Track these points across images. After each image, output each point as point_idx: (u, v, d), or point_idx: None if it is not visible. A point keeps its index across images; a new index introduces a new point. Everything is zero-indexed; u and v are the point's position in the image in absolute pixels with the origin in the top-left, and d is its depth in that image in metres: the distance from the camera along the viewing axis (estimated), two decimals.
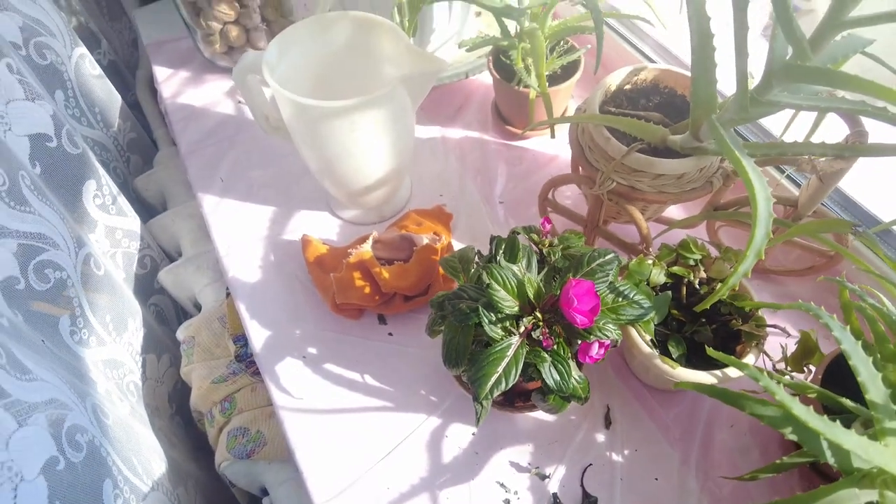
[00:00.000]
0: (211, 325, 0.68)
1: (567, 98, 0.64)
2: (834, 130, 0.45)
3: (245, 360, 0.64)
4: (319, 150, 0.50)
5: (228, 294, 0.69)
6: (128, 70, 1.00)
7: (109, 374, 0.62)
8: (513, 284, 0.36)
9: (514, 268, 0.37)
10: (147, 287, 0.77)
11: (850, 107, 0.37)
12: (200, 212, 0.79)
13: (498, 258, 0.39)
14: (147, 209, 0.86)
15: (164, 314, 0.81)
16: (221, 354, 0.67)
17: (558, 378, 0.37)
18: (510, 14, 0.56)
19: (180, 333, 0.69)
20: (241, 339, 0.66)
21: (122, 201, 0.71)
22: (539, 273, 0.40)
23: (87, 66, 0.78)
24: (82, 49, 0.77)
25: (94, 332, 0.60)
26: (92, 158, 0.67)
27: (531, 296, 0.37)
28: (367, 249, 0.52)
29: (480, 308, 0.37)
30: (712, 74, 0.40)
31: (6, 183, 0.50)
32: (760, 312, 0.45)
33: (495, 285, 0.36)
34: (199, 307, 0.77)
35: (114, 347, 0.64)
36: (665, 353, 0.45)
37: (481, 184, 0.63)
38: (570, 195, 0.61)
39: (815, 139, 0.45)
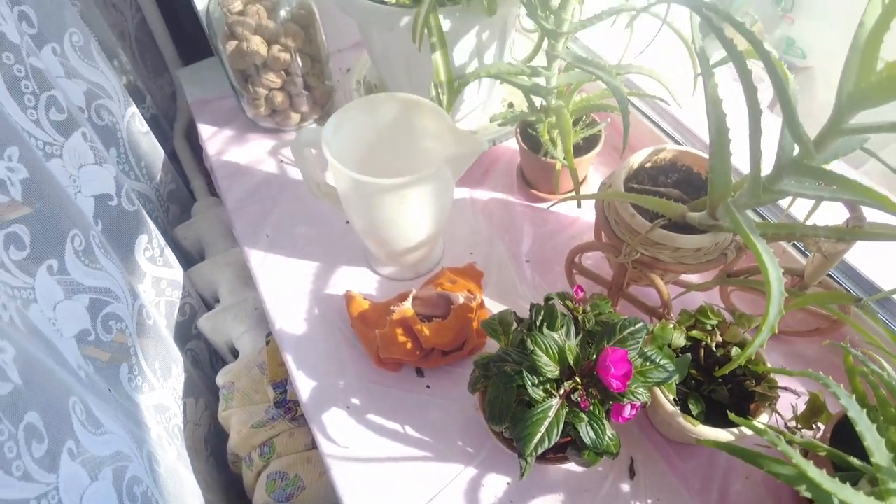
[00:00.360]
0: (250, 372, 0.72)
1: (588, 167, 0.69)
2: (835, 206, 0.50)
3: (283, 406, 0.68)
4: (369, 218, 0.55)
5: (268, 342, 0.73)
6: (166, 122, 1.06)
7: (159, 419, 0.66)
8: (554, 351, 0.41)
9: (556, 335, 0.42)
10: (185, 333, 0.81)
11: (850, 197, 0.42)
12: (237, 261, 0.84)
13: (540, 325, 0.43)
14: (185, 256, 0.90)
15: (199, 359, 0.84)
16: (260, 400, 0.70)
17: (594, 436, 0.41)
18: (538, 92, 0.62)
19: (220, 379, 0.73)
20: (280, 386, 0.70)
21: (168, 253, 0.76)
22: (575, 338, 0.44)
23: (136, 124, 0.84)
24: (133, 108, 0.83)
25: (146, 378, 0.64)
26: (144, 214, 0.72)
27: (571, 361, 0.41)
28: (408, 307, 0.56)
29: (524, 371, 0.41)
30: (728, 164, 0.45)
31: (82, 243, 0.55)
32: (772, 374, 0.50)
33: (539, 351, 0.40)
34: (235, 353, 0.81)
35: (162, 393, 0.67)
36: (685, 410, 0.49)
37: (509, 243, 0.67)
38: (590, 256, 0.66)
39: (817, 212, 0.51)
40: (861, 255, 0.57)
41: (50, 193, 0.51)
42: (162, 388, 0.68)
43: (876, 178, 0.59)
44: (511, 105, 0.82)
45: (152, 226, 0.73)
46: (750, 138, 0.41)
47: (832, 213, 0.51)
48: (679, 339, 0.50)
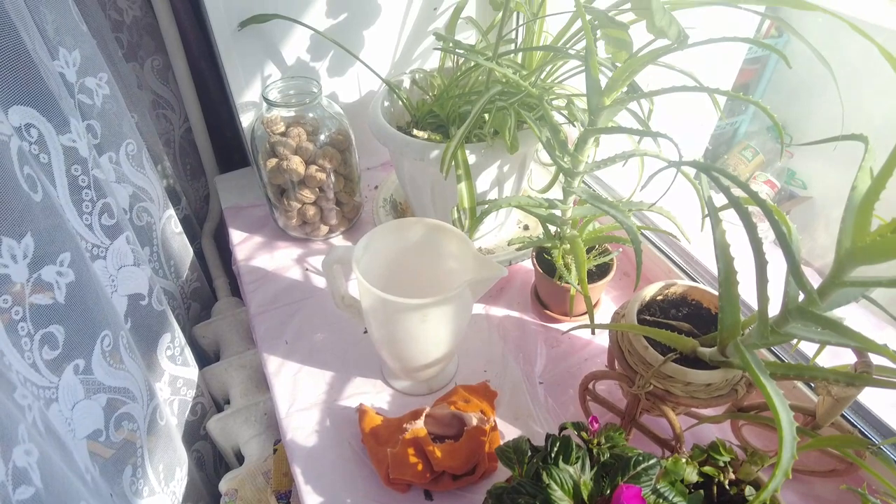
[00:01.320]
0: (255, 480, 0.71)
1: (600, 292, 0.72)
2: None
3: None
4: (389, 333, 0.57)
5: (275, 450, 0.72)
6: (197, 222, 1.12)
7: None
8: (569, 486, 0.41)
9: (571, 469, 0.42)
10: (194, 433, 0.80)
11: (856, 344, 0.44)
12: (251, 363, 0.85)
13: (555, 457, 0.43)
14: (200, 355, 0.92)
15: (204, 461, 0.83)
16: None
17: None
18: (554, 222, 0.66)
19: (223, 485, 0.72)
20: (284, 497, 0.68)
21: (187, 352, 0.78)
22: (590, 472, 0.44)
23: (171, 226, 0.89)
24: (170, 211, 0.88)
25: (148, 481, 0.63)
26: (169, 313, 0.74)
27: (585, 497, 0.41)
28: (420, 426, 0.57)
29: None
30: (737, 306, 0.48)
31: (111, 344, 0.57)
32: None
33: (554, 485, 0.41)
34: (239, 457, 0.80)
35: (161, 497, 0.66)
36: None
37: (523, 362, 0.69)
38: (603, 382, 0.67)
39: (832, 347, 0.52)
40: (874, 396, 0.57)
41: (90, 295, 0.54)
42: (162, 492, 0.67)
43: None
44: (526, 227, 0.86)
45: (175, 325, 0.75)
46: (757, 285, 0.44)
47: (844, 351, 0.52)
48: (692, 475, 0.50)
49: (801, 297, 0.44)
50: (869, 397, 0.57)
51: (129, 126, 0.78)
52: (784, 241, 0.42)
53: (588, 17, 0.57)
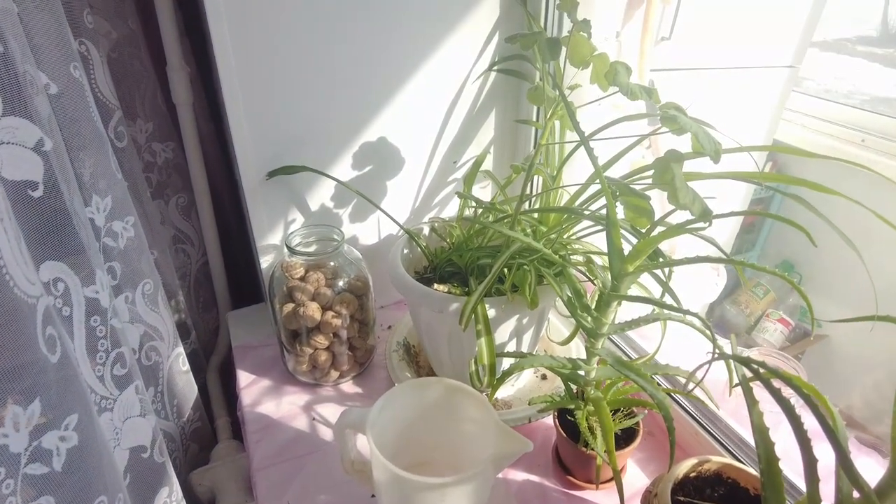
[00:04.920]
0: None
1: (627, 458, 0.68)
2: None
3: None
4: None
5: None
6: (204, 356, 1.09)
7: None
8: None
9: None
10: None
11: None
12: None
13: None
14: (193, 502, 0.86)
15: None
16: None
17: None
18: (577, 381, 0.64)
19: None
20: None
21: None
22: None
23: (178, 364, 0.87)
24: (180, 348, 0.87)
25: None
26: (169, 465, 0.70)
27: None
28: None
29: None
30: (782, 495, 0.44)
31: None
32: None
33: None
34: None
35: None
36: None
37: None
38: None
39: None
40: None
41: (91, 459, 0.51)
42: None
43: None
44: (544, 377, 0.84)
45: (174, 477, 0.71)
46: (807, 484, 0.41)
47: None
48: None
49: (856, 495, 0.41)
50: None
51: (148, 265, 0.79)
52: (832, 435, 0.40)
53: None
